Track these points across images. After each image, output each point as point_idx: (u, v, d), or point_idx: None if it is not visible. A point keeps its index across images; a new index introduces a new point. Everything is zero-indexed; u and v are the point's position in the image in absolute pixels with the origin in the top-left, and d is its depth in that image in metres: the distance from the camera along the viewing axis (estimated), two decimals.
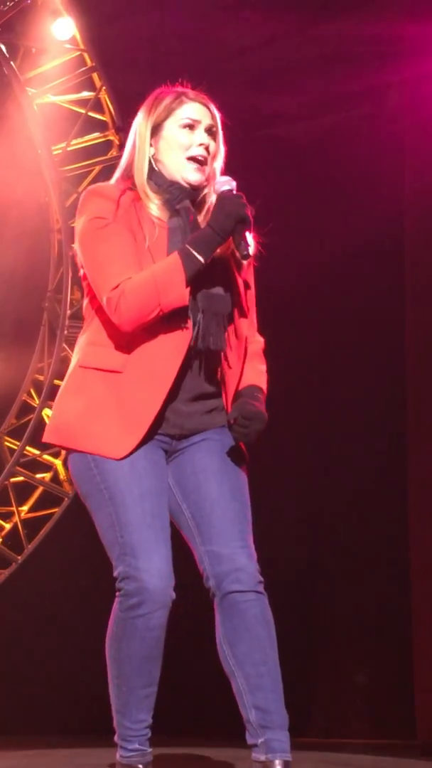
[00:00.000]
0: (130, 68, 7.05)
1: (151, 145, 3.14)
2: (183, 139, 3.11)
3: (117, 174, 3.21)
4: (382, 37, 6.31)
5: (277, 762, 2.95)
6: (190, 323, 3.05)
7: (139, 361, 3.02)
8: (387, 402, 6.54)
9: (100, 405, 3.03)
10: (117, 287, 2.98)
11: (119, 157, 7.14)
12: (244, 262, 3.12)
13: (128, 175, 3.17)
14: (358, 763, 4.80)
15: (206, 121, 3.13)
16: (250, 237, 3.05)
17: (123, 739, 3.05)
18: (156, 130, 3.13)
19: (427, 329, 6.12)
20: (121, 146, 7.22)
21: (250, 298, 3.19)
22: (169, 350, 3.03)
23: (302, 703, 6.38)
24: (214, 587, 3.04)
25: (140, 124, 3.17)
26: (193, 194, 3.15)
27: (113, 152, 7.31)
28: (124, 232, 3.05)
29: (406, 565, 6.06)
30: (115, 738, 3.10)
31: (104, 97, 7.30)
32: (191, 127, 3.11)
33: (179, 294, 2.98)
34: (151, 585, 2.94)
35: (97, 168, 7.35)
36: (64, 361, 7.31)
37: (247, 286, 3.16)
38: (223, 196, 3.05)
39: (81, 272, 3.16)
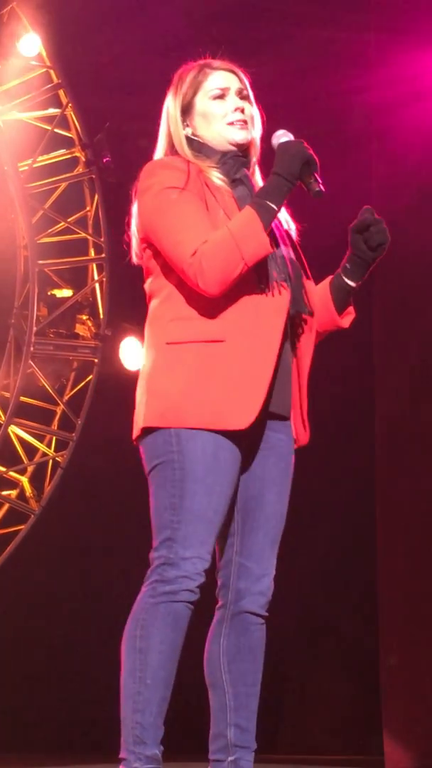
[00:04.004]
0: (96, 85, 7.07)
1: (186, 124, 3.07)
2: (217, 110, 3.05)
3: (161, 153, 3.10)
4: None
5: None
6: (284, 285, 2.98)
7: (241, 328, 2.91)
8: None
9: (203, 377, 2.90)
10: (196, 252, 2.87)
11: (85, 173, 7.30)
12: (294, 234, 3.07)
13: (174, 153, 3.07)
14: None
15: (235, 85, 3.07)
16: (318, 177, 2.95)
17: (138, 743, 2.82)
18: (188, 107, 3.06)
19: None
20: (87, 162, 7.24)
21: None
22: (270, 314, 2.94)
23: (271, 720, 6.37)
24: (231, 600, 3.01)
25: (169, 105, 3.08)
26: (246, 163, 3.09)
27: (79, 168, 7.32)
28: (196, 200, 2.96)
29: (374, 583, 6.05)
30: (123, 753, 2.85)
31: (70, 113, 7.31)
32: (222, 96, 3.05)
33: (259, 242, 2.88)
34: (193, 576, 2.86)
35: (64, 185, 7.36)
36: (30, 378, 7.30)
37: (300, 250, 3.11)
38: (283, 143, 2.97)
39: (145, 252, 3.01)
